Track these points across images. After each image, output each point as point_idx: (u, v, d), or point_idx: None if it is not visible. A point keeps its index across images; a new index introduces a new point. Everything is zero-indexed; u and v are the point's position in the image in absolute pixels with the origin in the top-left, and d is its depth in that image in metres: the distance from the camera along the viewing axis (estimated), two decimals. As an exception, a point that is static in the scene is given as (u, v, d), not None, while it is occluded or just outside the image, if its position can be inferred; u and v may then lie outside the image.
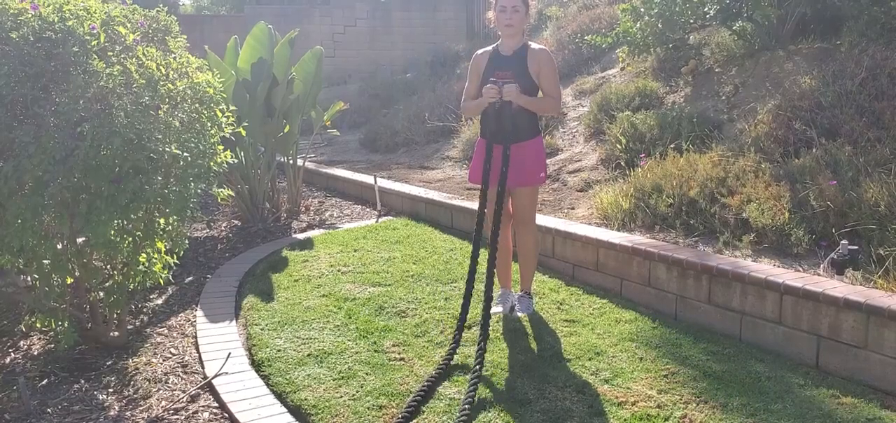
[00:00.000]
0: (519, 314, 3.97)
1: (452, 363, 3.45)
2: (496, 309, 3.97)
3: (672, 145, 5.66)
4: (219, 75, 4.42)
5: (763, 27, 6.98)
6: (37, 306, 3.69)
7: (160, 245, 3.89)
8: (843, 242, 3.88)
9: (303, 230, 6.30)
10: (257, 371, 3.52)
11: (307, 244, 5.71)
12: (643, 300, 4.18)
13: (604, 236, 4.52)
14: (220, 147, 4.22)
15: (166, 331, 4.14)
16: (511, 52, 3.79)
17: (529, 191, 3.87)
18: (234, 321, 4.21)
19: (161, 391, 3.40)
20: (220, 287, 4.80)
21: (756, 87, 6.19)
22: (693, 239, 4.53)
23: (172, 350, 3.88)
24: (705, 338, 3.67)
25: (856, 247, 3.85)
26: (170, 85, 3.79)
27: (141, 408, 3.24)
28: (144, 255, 3.85)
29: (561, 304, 4.19)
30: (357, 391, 3.19)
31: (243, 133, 5.47)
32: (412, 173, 7.89)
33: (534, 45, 3.82)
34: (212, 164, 4.01)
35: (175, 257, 4.08)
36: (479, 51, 3.97)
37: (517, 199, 3.89)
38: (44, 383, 3.50)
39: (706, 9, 6.92)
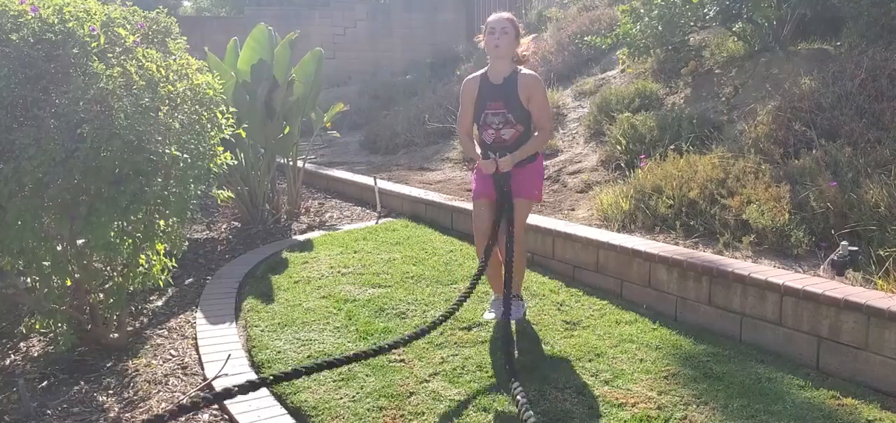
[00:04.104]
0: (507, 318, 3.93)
1: (453, 366, 3.45)
2: (488, 316, 3.96)
3: (672, 146, 5.66)
4: (219, 77, 4.42)
5: (763, 28, 6.98)
6: (37, 308, 3.70)
7: (160, 247, 3.89)
8: (843, 243, 3.88)
9: (303, 232, 6.30)
10: (257, 373, 3.51)
11: (307, 246, 5.70)
12: (643, 301, 4.18)
13: (604, 237, 4.52)
14: (220, 149, 4.23)
15: (166, 333, 4.14)
16: (501, 79, 3.74)
17: (523, 204, 3.82)
18: (234, 323, 4.21)
19: (161, 393, 3.40)
20: (220, 289, 4.80)
21: (756, 88, 6.19)
22: (693, 240, 4.53)
23: (172, 352, 3.88)
24: (706, 339, 3.67)
25: (856, 248, 3.85)
26: (170, 86, 3.79)
27: (141, 410, 3.24)
28: (144, 256, 3.86)
29: (561, 305, 4.19)
30: (357, 393, 3.19)
31: (243, 135, 5.47)
32: (412, 175, 7.89)
33: (523, 70, 3.77)
34: (212, 165, 4.01)
35: (174, 259, 4.09)
36: (468, 77, 3.93)
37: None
38: (44, 384, 3.50)
39: (706, 10, 6.92)
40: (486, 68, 3.84)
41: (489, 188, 3.83)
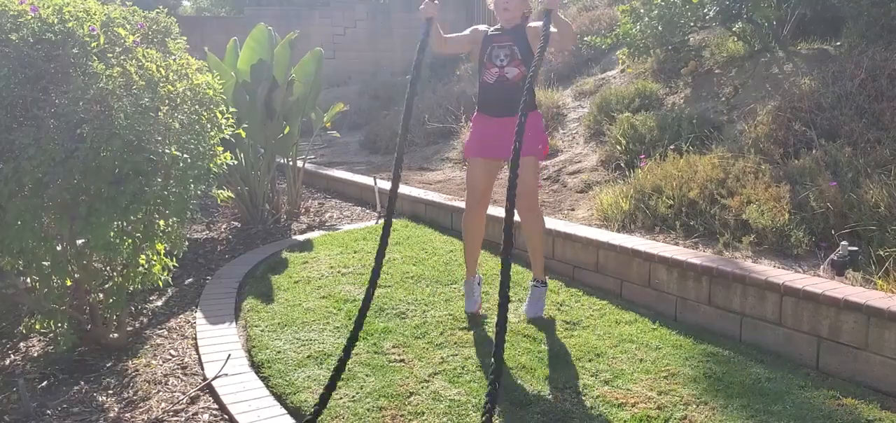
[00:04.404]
0: (526, 315, 3.92)
1: (453, 366, 3.45)
2: (470, 307, 3.96)
3: (672, 146, 5.66)
4: (218, 77, 4.42)
5: (763, 28, 6.98)
6: (36, 308, 3.69)
7: (159, 247, 3.89)
8: (843, 243, 3.88)
9: (302, 232, 6.30)
10: (257, 373, 3.51)
11: (307, 246, 5.70)
12: (643, 302, 4.18)
13: (604, 237, 4.52)
14: (220, 149, 4.22)
15: (166, 333, 4.14)
16: (511, 26, 3.79)
17: (530, 162, 3.68)
18: (233, 323, 4.21)
19: (161, 393, 3.40)
20: (220, 289, 4.80)
21: (756, 88, 6.19)
22: (693, 240, 4.53)
23: (172, 352, 3.88)
24: (705, 339, 3.67)
25: (856, 248, 3.85)
26: (170, 86, 3.79)
27: (141, 410, 3.24)
28: (144, 257, 3.85)
29: (561, 305, 4.19)
30: (357, 393, 3.19)
31: (243, 135, 5.47)
32: (412, 175, 7.89)
33: (532, 22, 3.82)
34: (211, 165, 4.01)
35: (174, 259, 4.08)
36: (483, 25, 3.94)
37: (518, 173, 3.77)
38: (43, 384, 3.50)
39: (706, 10, 6.92)
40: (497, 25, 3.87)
41: (487, 145, 3.77)
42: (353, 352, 3.60)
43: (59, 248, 3.59)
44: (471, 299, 4.01)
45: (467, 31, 3.94)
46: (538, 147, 3.79)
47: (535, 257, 4.01)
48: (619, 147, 6.17)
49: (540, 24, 3.69)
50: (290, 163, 6.90)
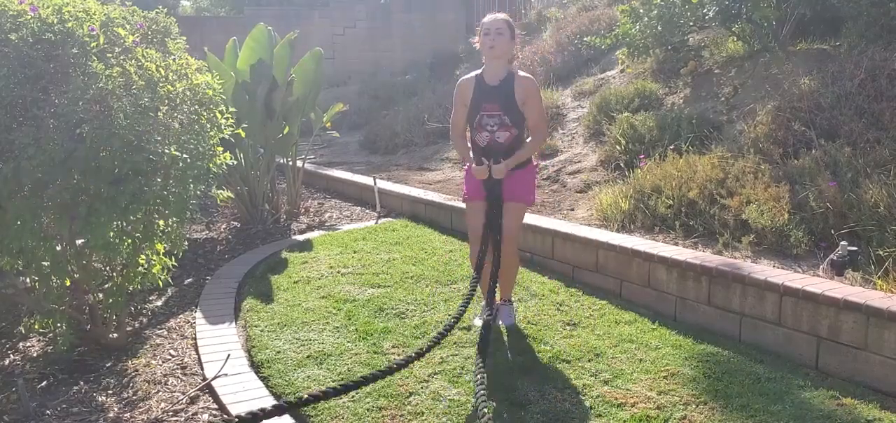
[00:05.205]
0: (501, 324, 3.88)
1: (453, 366, 3.45)
2: (477, 321, 3.91)
3: (671, 146, 5.66)
4: (218, 77, 4.42)
5: (762, 28, 6.98)
6: (36, 308, 3.70)
7: (159, 247, 3.89)
8: (842, 243, 3.88)
9: (302, 232, 6.30)
10: (257, 373, 3.51)
11: (306, 246, 5.70)
12: (643, 301, 4.18)
13: (603, 237, 4.52)
14: (220, 149, 4.23)
15: (166, 333, 4.14)
16: (497, 80, 3.69)
17: (517, 207, 3.76)
18: (233, 323, 4.21)
19: (160, 393, 3.40)
20: (220, 289, 4.80)
21: (755, 88, 6.19)
22: (693, 240, 4.53)
23: (172, 352, 3.88)
24: (705, 339, 3.67)
25: (855, 248, 3.85)
26: (169, 86, 3.79)
27: (140, 410, 3.24)
28: (144, 257, 3.86)
29: (560, 305, 4.19)
30: (357, 393, 3.18)
31: (243, 135, 5.47)
32: (412, 175, 7.89)
33: (520, 73, 3.72)
34: (211, 165, 4.01)
35: (174, 259, 4.09)
36: (463, 78, 3.86)
37: (505, 214, 3.76)
38: (43, 384, 3.50)
39: (705, 10, 6.92)
40: (480, 69, 3.79)
41: (481, 191, 3.80)
42: (353, 352, 3.61)
43: (58, 248, 3.59)
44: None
45: (457, 98, 3.85)
46: (528, 197, 3.80)
47: (504, 281, 3.88)
48: (618, 147, 6.17)
49: (526, 76, 3.70)
50: (290, 163, 6.90)
